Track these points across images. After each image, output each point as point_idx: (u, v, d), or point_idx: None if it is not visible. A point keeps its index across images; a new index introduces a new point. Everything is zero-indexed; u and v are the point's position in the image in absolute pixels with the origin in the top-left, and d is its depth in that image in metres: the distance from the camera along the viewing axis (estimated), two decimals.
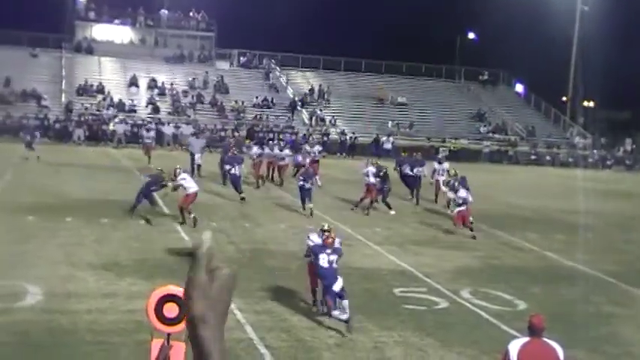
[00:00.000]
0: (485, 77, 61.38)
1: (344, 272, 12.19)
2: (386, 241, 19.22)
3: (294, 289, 13.42)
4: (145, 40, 56.62)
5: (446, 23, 59.83)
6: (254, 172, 28.12)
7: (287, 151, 29.89)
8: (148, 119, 45.57)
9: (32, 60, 50.67)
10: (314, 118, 50.85)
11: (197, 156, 29.56)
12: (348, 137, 48.23)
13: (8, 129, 41.70)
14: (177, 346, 6.53)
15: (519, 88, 62.03)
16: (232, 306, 10.70)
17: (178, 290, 6.48)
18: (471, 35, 65.16)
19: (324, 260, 11.65)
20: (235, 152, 26.38)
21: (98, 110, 45.98)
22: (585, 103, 63.69)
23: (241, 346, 10.81)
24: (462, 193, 20.47)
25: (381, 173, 23.40)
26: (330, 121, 50.92)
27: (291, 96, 53.05)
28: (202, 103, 49.98)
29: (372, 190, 23.27)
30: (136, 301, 11.46)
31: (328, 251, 11.76)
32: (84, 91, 48.20)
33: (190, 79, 52.23)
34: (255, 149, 29.18)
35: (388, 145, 45.66)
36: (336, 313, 11.41)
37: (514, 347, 7.55)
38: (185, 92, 50.56)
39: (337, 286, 11.50)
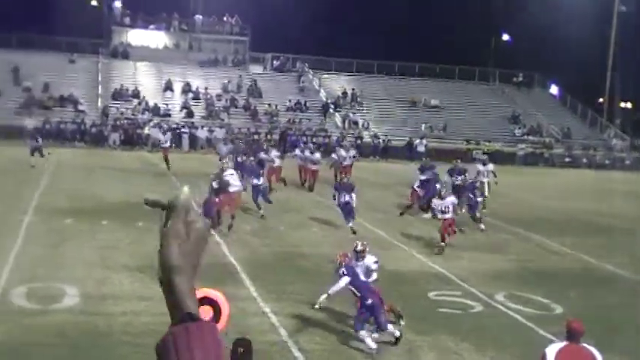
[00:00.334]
0: (520, 79, 60.85)
1: (379, 276, 12.16)
2: (420, 245, 19.14)
3: None
4: (180, 45, 57.03)
5: (480, 25, 59.49)
6: (269, 177, 25.85)
7: (318, 155, 29.01)
8: (182, 123, 45.91)
9: (70, 65, 51.28)
10: (347, 121, 50.85)
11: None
12: (380, 140, 48.18)
13: (47, 134, 42.35)
14: None
15: (554, 89, 61.41)
16: (267, 309, 10.69)
17: (213, 293, 6.52)
18: (505, 37, 64.67)
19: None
20: (244, 158, 25.10)
21: (133, 115, 46.41)
22: (622, 105, 62.91)
23: (275, 349, 10.84)
24: (449, 199, 18.74)
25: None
26: (363, 124, 50.87)
27: (324, 99, 53.10)
28: (236, 107, 50.20)
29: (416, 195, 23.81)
30: None
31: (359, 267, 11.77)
32: (119, 95, 48.67)
33: (225, 82, 52.51)
34: (274, 153, 27.70)
35: (421, 148, 45.46)
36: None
37: (551, 351, 7.47)
38: (219, 96, 50.83)
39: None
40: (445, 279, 15.67)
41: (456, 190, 23.26)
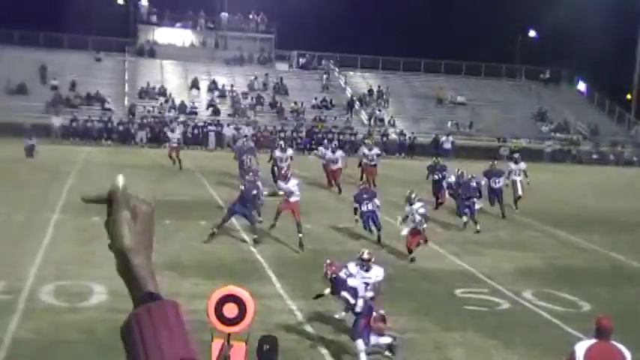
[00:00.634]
0: (547, 76, 60.37)
1: (405, 273, 12.14)
2: (446, 242, 19.07)
3: None
4: (206, 43, 57.21)
5: (506, 22, 59.04)
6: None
7: (340, 153, 28.26)
8: (208, 121, 46.11)
9: (96, 64, 51.71)
10: (373, 119, 50.77)
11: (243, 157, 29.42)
12: (407, 137, 48.04)
13: (74, 132, 42.81)
14: (237, 346, 6.59)
15: (581, 86, 60.84)
16: (293, 307, 10.68)
17: (238, 291, 6.54)
18: (532, 33, 64.14)
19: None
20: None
21: (160, 112, 46.65)
22: None
23: (302, 347, 10.85)
24: (421, 210, 16.93)
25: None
26: (389, 122, 50.77)
27: (350, 97, 53.05)
28: (262, 104, 50.29)
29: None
30: (198, 301, 11.58)
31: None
32: (146, 93, 48.96)
33: (251, 79, 52.64)
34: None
35: (448, 145, 45.32)
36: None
37: (581, 349, 7.42)
38: (245, 94, 50.96)
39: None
40: (472, 276, 15.60)
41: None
